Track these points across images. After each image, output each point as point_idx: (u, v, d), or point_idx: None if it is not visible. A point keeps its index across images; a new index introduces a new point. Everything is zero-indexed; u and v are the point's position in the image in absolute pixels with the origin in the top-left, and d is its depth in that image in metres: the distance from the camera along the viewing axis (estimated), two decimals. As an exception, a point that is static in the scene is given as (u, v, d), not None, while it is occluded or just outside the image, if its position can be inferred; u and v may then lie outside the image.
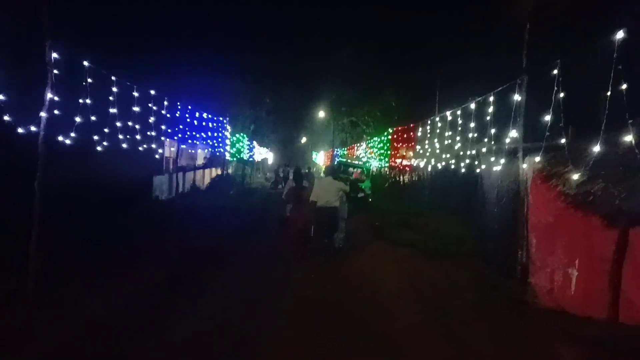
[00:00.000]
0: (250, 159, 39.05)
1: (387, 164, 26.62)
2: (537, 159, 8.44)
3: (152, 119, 13.96)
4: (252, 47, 40.95)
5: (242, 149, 31.55)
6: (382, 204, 22.03)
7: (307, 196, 11.47)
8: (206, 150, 29.03)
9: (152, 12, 22.63)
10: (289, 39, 48.10)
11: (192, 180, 27.03)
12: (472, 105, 11.36)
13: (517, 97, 8.98)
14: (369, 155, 31.34)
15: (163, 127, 16.27)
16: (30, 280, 7.60)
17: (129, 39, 18.52)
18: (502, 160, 9.76)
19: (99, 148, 10.50)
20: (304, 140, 64.39)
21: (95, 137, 10.26)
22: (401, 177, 26.25)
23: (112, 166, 14.17)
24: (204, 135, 21.46)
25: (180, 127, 19.33)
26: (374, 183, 23.79)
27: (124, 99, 11.42)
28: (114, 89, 10.80)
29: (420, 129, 18.00)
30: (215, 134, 24.03)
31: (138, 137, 13.04)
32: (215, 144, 25.12)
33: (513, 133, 9.18)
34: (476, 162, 11.67)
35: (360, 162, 27.35)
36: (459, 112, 12.71)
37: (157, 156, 18.36)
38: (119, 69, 11.45)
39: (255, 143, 41.90)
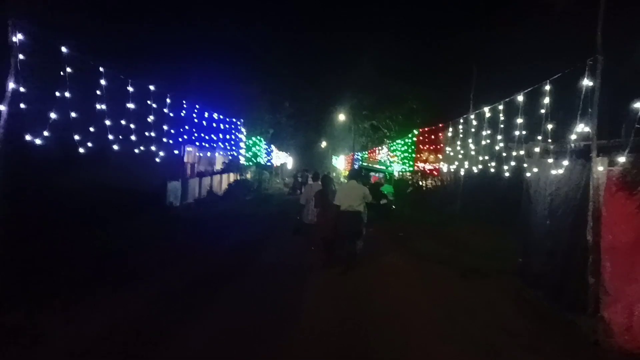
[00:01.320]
0: (268, 164, 37.51)
1: (411, 168, 24.81)
2: (622, 159, 6.49)
3: (165, 125, 12.70)
4: (272, 51, 39.98)
5: (258, 153, 29.95)
6: (405, 212, 20.34)
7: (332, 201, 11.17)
8: (222, 154, 27.61)
9: (174, 16, 22.24)
10: (309, 43, 46.65)
11: (209, 185, 26.00)
12: (520, 98, 9.42)
13: (587, 83, 7.05)
14: (391, 159, 29.57)
15: (171, 129, 14.87)
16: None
17: (148, 42, 17.99)
18: (565, 162, 7.80)
19: (112, 149, 10.34)
20: (323, 144, 62.92)
21: (77, 140, 9.16)
22: (425, 182, 24.45)
23: (122, 171, 13.58)
24: (214, 137, 19.75)
25: (186, 127, 17.95)
26: (396, 188, 21.99)
27: (136, 101, 11.07)
28: (130, 89, 10.56)
29: (450, 129, 16.19)
30: (228, 136, 22.42)
31: (151, 142, 12.20)
32: (228, 147, 23.47)
33: (580, 128, 7.23)
34: (524, 165, 9.73)
35: (380, 167, 25.50)
36: (501, 107, 10.82)
37: (172, 160, 17.49)
38: (133, 67, 10.67)
39: (273, 147, 40.41)
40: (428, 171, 21.94)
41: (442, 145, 18.25)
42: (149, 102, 12.07)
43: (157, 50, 18.79)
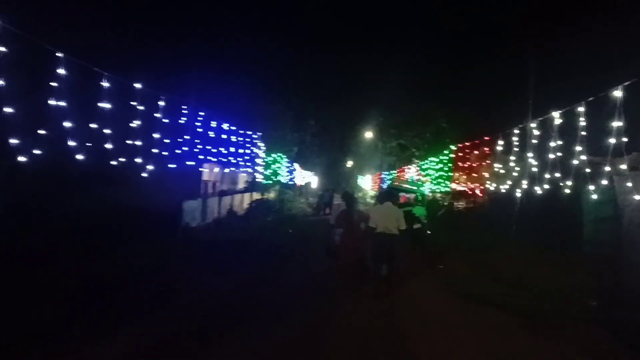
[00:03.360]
0: (291, 182, 35.58)
1: (446, 188, 22.61)
2: None
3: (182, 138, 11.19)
4: (298, 69, 38.67)
5: (279, 171, 27.97)
6: (440, 236, 17.90)
7: (358, 221, 10.85)
8: (244, 172, 25.92)
9: (199, 29, 21.30)
10: (335, 61, 45.22)
11: (229, 205, 24.34)
12: (618, 93, 7.16)
13: None
14: (422, 179, 27.43)
15: (186, 145, 13.18)
16: None
17: (163, 50, 16.76)
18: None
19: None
20: (349, 163, 60.97)
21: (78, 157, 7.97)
22: (459, 203, 22.19)
23: (131, 190, 13.17)
24: (223, 151, 17.54)
25: (204, 144, 16.13)
26: (429, 211, 19.77)
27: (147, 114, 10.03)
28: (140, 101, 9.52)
29: (500, 142, 13.82)
30: (242, 151, 20.34)
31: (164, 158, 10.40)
32: (241, 162, 21.42)
33: None
34: (604, 182, 7.61)
35: (411, 187, 23.19)
36: (581, 109, 8.49)
37: (189, 178, 16.75)
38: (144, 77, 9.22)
39: (296, 166, 38.57)
40: (469, 191, 19.57)
41: (488, 161, 15.94)
42: (160, 114, 10.42)
43: (174, 61, 17.48)
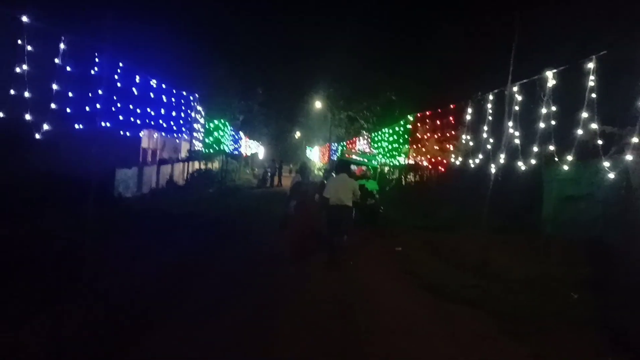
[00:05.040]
0: (236, 152, 33.55)
1: (401, 162, 21.26)
2: None
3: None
4: (244, 34, 36.70)
5: (222, 139, 25.88)
6: (393, 214, 16.46)
7: (313, 193, 10.87)
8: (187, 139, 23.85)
9: None
10: (284, 28, 43.39)
11: (169, 174, 22.43)
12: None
13: None
14: (373, 151, 26.08)
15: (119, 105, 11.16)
16: None
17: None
18: None
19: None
20: (297, 134, 59.23)
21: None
22: (409, 177, 20.90)
23: (52, 155, 11.15)
24: (150, 112, 15.14)
25: (147, 109, 13.95)
26: (381, 185, 18.38)
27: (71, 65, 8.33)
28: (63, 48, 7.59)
29: (469, 109, 12.14)
30: (174, 113, 17.99)
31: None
32: (173, 126, 19.03)
33: None
34: (628, 157, 6.16)
35: (362, 159, 21.57)
36: (591, 65, 6.71)
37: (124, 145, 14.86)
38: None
39: (242, 135, 36.51)
40: (428, 165, 18.08)
41: (453, 131, 14.39)
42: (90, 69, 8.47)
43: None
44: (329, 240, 9.96)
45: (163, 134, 20.87)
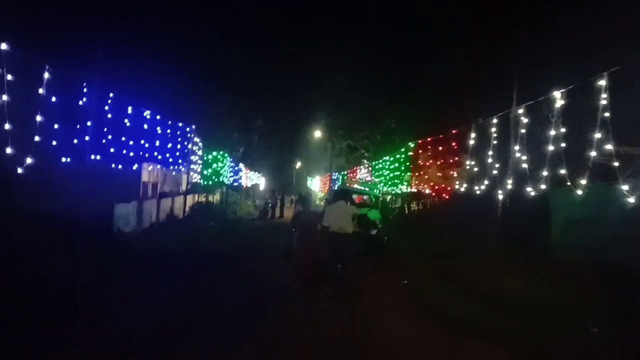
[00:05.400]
0: (236, 184, 33.15)
1: (402, 189, 20.82)
2: None
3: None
4: (244, 67, 36.67)
5: (222, 171, 25.51)
6: (398, 243, 15.87)
7: (315, 222, 10.45)
8: (185, 172, 23.54)
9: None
10: (283, 60, 43.29)
11: (169, 208, 21.98)
12: None
13: None
14: (374, 180, 25.69)
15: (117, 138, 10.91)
16: None
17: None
18: None
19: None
20: (298, 165, 59.00)
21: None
22: (418, 204, 20.45)
23: (44, 194, 11.20)
24: (144, 144, 14.55)
25: (142, 142, 13.56)
26: (384, 214, 17.95)
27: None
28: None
29: (472, 134, 11.71)
30: (170, 145, 17.51)
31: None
32: (169, 158, 18.46)
33: None
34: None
35: (364, 188, 21.19)
36: (602, 83, 6.32)
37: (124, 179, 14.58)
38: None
39: (242, 166, 36.16)
40: (431, 192, 17.63)
41: (456, 157, 14.02)
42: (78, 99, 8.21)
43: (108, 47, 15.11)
44: (333, 270, 9.73)
45: (164, 167, 20.57)
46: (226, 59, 32.03)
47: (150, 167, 18.92)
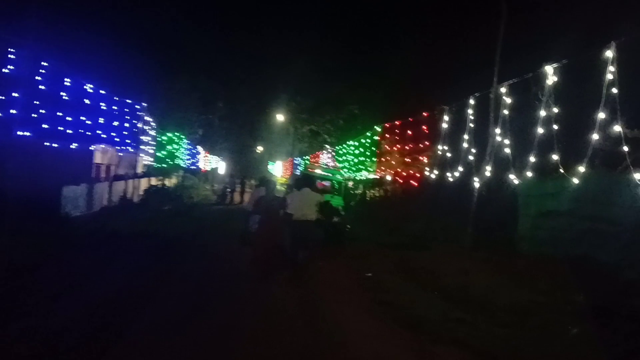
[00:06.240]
0: (193, 167, 31.79)
1: (367, 175, 20.05)
2: None
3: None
4: (205, 47, 35.37)
5: (176, 153, 24.15)
6: (361, 231, 15.01)
7: (277, 208, 10.15)
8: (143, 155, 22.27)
9: None
10: (246, 42, 42.05)
11: (123, 191, 21.15)
12: None
13: None
14: (337, 165, 24.86)
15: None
16: None
17: None
18: None
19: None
20: (259, 149, 57.57)
21: None
22: (382, 191, 19.66)
23: None
24: (86, 121, 13.08)
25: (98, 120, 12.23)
26: (346, 201, 17.11)
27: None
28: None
29: (445, 117, 10.83)
30: (117, 123, 15.99)
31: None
32: (116, 138, 17.16)
33: None
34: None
35: (327, 174, 20.21)
36: (610, 54, 5.28)
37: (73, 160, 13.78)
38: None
39: (200, 149, 34.78)
40: (399, 179, 16.75)
41: (427, 142, 13.16)
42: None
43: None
44: (292, 257, 9.64)
45: (116, 148, 19.36)
46: (185, 38, 30.83)
47: (103, 148, 17.89)
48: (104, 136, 14.59)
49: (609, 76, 4.84)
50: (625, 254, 7.96)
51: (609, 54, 4.81)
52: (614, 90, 4.93)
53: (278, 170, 53.62)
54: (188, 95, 29.35)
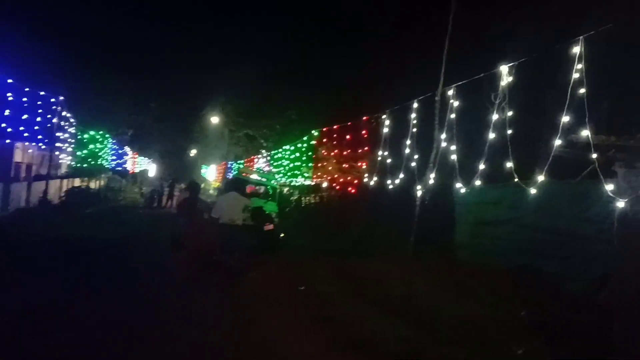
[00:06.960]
0: (119, 168, 30.09)
1: (303, 181, 19.42)
2: None
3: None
4: (138, 46, 33.79)
5: (100, 153, 22.61)
6: (296, 238, 14.19)
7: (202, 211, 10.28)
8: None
9: None
10: (180, 43, 40.41)
11: (43, 192, 19.69)
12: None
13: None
14: (272, 170, 24.14)
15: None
16: None
17: None
18: None
19: None
20: (193, 152, 55.88)
21: None
22: (318, 197, 19.04)
23: None
24: None
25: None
26: (281, 207, 16.38)
27: None
28: None
29: (387, 121, 10.24)
30: (26, 117, 14.33)
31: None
32: (24, 133, 15.21)
33: None
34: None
35: (261, 178, 19.36)
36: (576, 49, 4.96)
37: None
38: None
39: (128, 150, 33.11)
40: (336, 185, 16.10)
41: (366, 147, 12.63)
42: None
43: None
44: (220, 263, 9.35)
45: (41, 146, 17.99)
46: (116, 34, 29.23)
47: (25, 145, 16.67)
48: (9, 130, 13.09)
49: (576, 75, 4.41)
50: (569, 264, 7.76)
51: (576, 50, 4.41)
52: (582, 91, 4.52)
53: (212, 174, 52.32)
54: (118, 94, 27.86)
